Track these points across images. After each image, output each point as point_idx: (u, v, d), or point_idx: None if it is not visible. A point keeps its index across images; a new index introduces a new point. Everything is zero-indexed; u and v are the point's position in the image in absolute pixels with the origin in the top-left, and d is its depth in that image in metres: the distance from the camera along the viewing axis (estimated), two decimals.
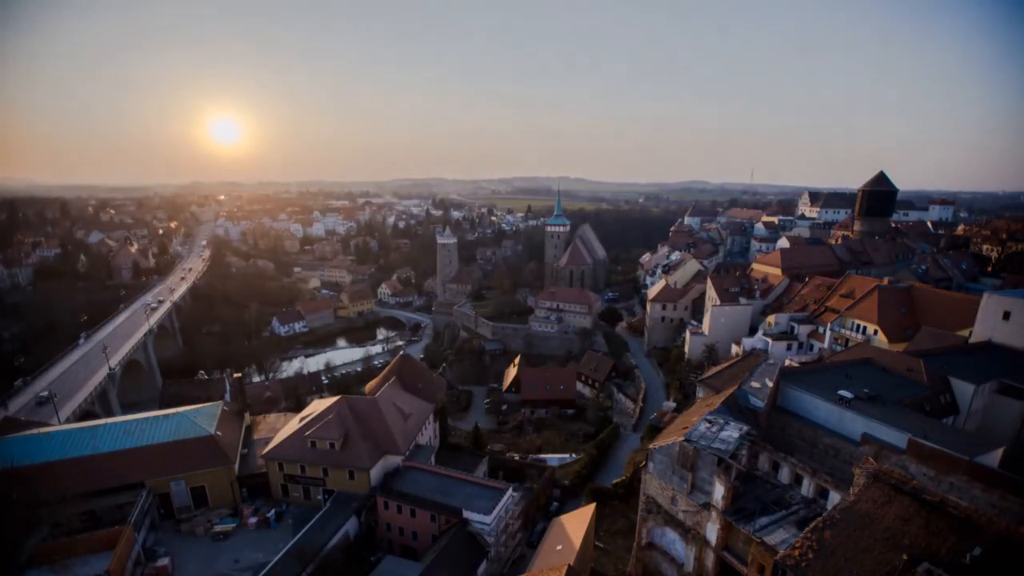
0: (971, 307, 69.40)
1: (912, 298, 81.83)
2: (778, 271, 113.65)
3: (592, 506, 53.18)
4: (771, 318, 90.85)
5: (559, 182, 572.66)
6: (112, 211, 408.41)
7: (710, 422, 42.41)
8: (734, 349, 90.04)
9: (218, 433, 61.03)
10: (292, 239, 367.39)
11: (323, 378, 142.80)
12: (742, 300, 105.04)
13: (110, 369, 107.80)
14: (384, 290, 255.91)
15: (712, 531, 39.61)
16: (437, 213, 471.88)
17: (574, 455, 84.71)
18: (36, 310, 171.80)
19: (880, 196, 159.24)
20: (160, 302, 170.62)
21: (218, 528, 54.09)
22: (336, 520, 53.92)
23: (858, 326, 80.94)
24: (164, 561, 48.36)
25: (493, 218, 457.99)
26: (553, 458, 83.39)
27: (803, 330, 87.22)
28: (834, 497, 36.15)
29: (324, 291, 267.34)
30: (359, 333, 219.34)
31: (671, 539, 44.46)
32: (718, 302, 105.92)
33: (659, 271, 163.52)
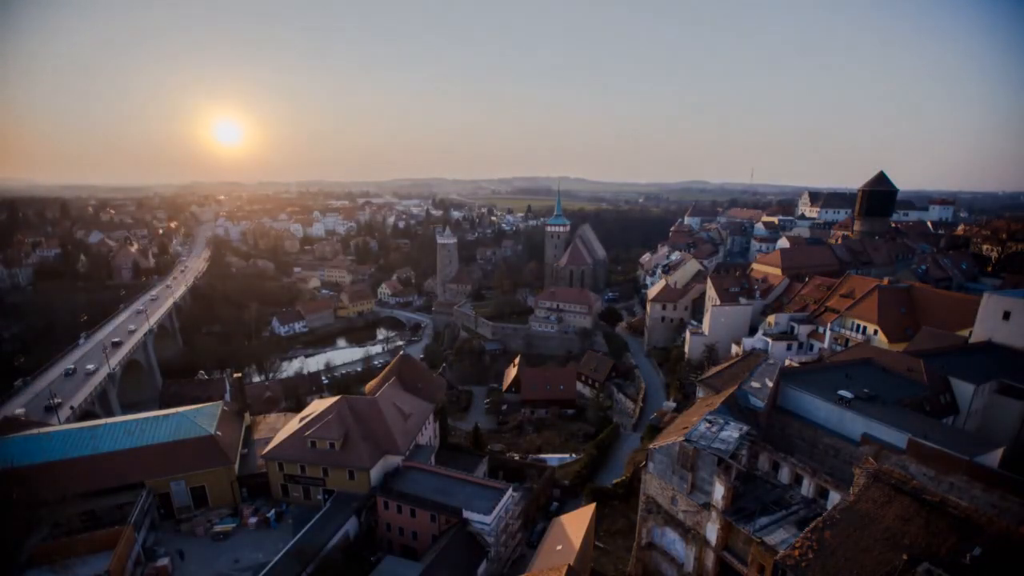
0: (971, 307, 69.37)
1: (912, 298, 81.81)
2: (778, 271, 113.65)
3: (592, 506, 53.17)
4: (771, 318, 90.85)
5: (559, 182, 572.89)
6: (112, 211, 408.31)
7: (710, 422, 42.40)
8: (734, 349, 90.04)
9: (218, 433, 61.03)
10: (292, 239, 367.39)
11: (323, 378, 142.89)
12: (742, 300, 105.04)
13: (110, 369, 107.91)
14: (384, 290, 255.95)
15: (712, 531, 39.59)
16: (437, 213, 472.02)
17: (574, 455, 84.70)
18: (36, 310, 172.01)
19: (880, 196, 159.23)
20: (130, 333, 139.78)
21: (218, 528, 54.09)
22: (336, 520, 53.90)
23: (858, 326, 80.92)
24: (164, 561, 48.36)
25: (493, 218, 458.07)
26: (553, 458, 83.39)
27: (803, 330, 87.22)
28: (834, 497, 36.13)
29: (324, 291, 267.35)
30: (359, 333, 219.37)
31: (671, 539, 44.44)
32: (718, 302, 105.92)
33: (659, 271, 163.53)
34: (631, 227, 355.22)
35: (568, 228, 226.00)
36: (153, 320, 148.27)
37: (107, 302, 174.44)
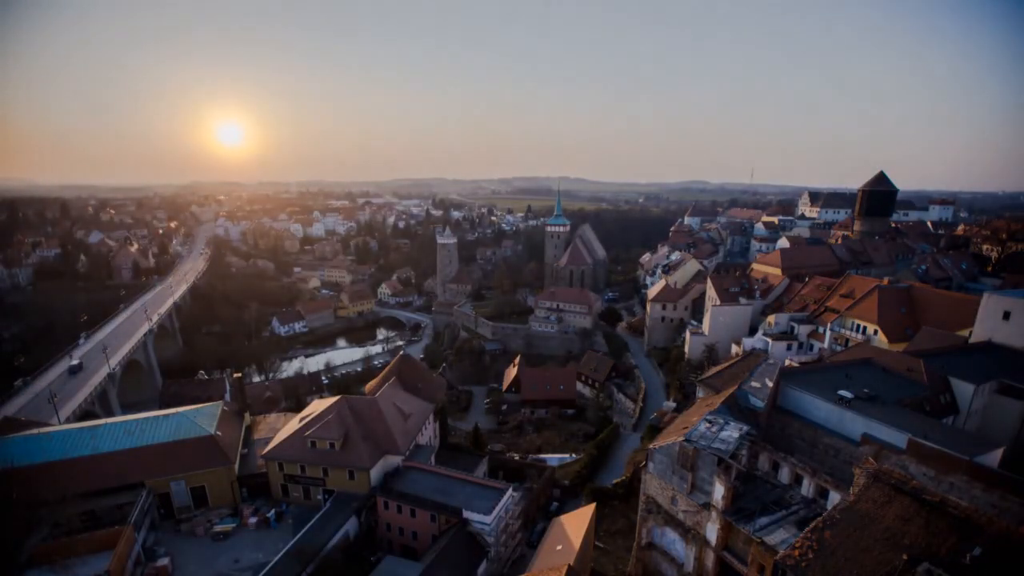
0: (971, 307, 69.35)
1: (912, 298, 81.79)
2: (778, 271, 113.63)
3: (592, 506, 53.17)
4: (771, 318, 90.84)
5: (559, 182, 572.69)
6: (112, 211, 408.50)
7: (710, 422, 42.41)
8: (734, 349, 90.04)
9: (218, 433, 61.02)
10: (292, 239, 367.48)
11: (323, 378, 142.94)
12: (742, 300, 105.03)
13: (110, 369, 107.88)
14: (384, 290, 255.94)
15: (712, 531, 39.60)
16: (437, 213, 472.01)
17: (574, 455, 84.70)
18: (36, 310, 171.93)
19: (880, 196, 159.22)
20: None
21: (218, 528, 54.06)
22: (336, 520, 53.90)
23: (858, 326, 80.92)
24: (164, 561, 48.36)
25: (493, 218, 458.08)
26: (553, 458, 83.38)
27: (803, 330, 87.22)
28: (834, 497, 36.14)
29: (324, 291, 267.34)
30: (359, 333, 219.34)
31: (671, 539, 44.45)
32: (718, 302, 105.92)
33: (659, 271, 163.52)
34: (631, 227, 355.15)
35: (568, 228, 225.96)
36: (153, 320, 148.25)
37: (107, 302, 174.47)
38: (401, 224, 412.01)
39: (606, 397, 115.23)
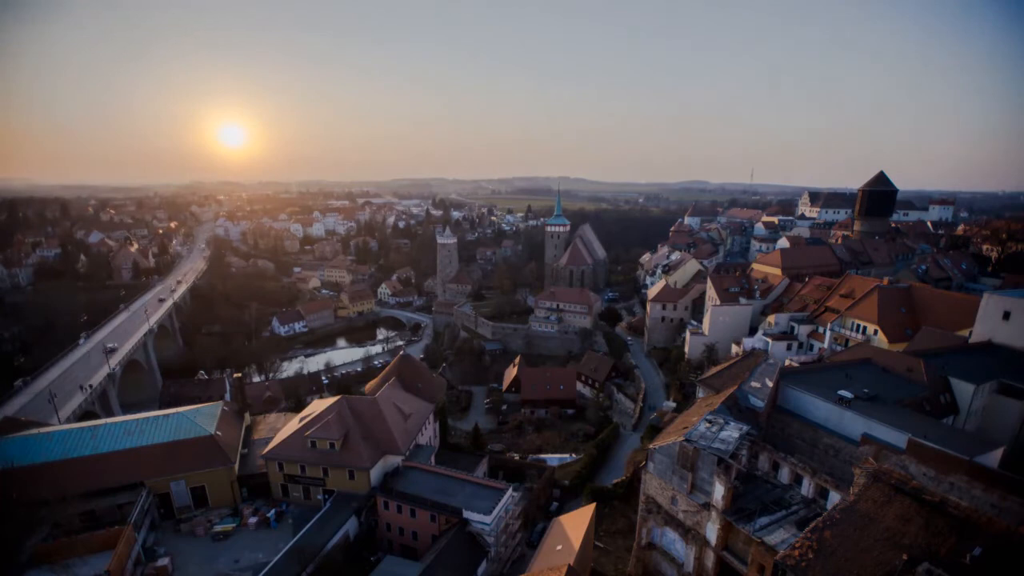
0: (971, 307, 69.39)
1: (912, 298, 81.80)
2: (778, 271, 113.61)
3: (592, 506, 53.13)
4: (771, 318, 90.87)
5: (559, 182, 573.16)
6: (112, 211, 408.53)
7: (710, 422, 42.41)
8: (734, 349, 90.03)
9: (218, 433, 61.04)
10: (292, 239, 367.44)
11: (323, 378, 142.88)
12: (742, 300, 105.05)
13: (110, 369, 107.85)
14: (384, 290, 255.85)
15: (712, 531, 39.60)
16: (437, 213, 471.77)
17: (574, 455, 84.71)
18: (36, 310, 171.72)
19: (880, 196, 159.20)
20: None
21: (218, 528, 54.11)
22: (336, 520, 53.93)
23: (858, 326, 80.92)
24: (164, 561, 48.36)
25: (493, 218, 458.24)
26: (553, 458, 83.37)
27: (803, 330, 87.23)
28: (834, 497, 36.16)
29: (324, 291, 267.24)
30: (359, 333, 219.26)
31: (671, 539, 44.45)
32: (718, 302, 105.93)
33: (659, 271, 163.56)
34: (631, 227, 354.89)
35: (568, 228, 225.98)
36: (152, 320, 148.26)
37: (107, 302, 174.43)
38: (401, 224, 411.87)
39: (606, 397, 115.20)
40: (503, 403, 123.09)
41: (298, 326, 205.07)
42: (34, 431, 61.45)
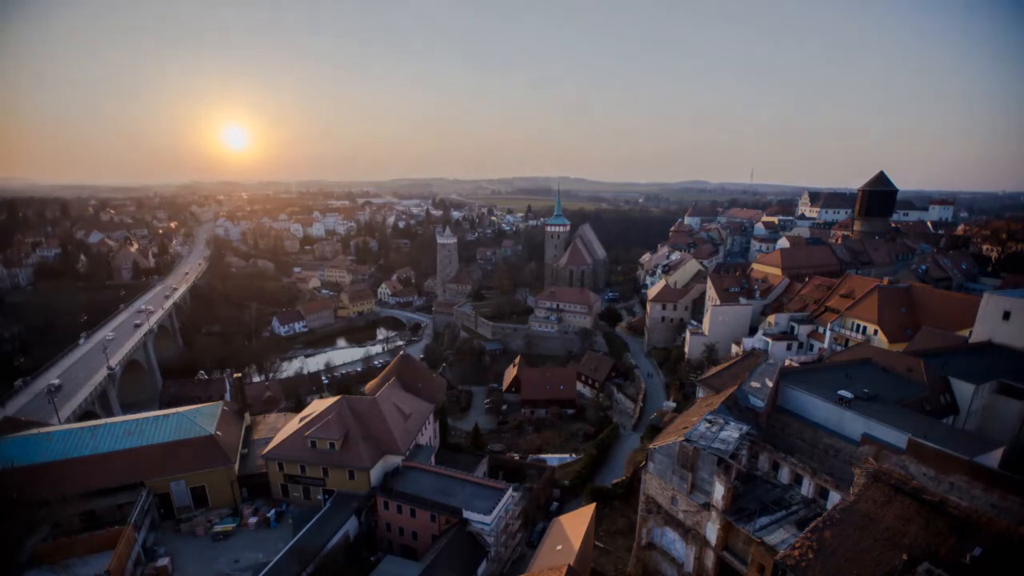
0: (971, 307, 69.38)
1: (912, 298, 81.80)
2: (778, 271, 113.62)
3: (592, 506, 53.14)
4: (771, 318, 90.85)
5: (559, 182, 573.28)
6: (112, 211, 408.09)
7: (710, 422, 42.41)
8: (734, 349, 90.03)
9: (218, 433, 61.05)
10: (292, 239, 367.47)
11: (323, 378, 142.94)
12: (742, 300, 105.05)
13: (109, 369, 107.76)
14: (384, 290, 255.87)
15: (712, 531, 39.59)
16: (437, 213, 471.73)
17: (574, 455, 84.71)
18: (36, 310, 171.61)
19: (880, 196, 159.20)
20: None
21: (218, 528, 54.12)
22: (336, 520, 53.93)
23: (858, 326, 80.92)
24: (164, 561, 48.37)
25: (493, 218, 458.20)
26: (553, 458, 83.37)
27: (803, 330, 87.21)
28: (834, 497, 36.15)
29: (324, 291, 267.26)
30: (359, 333, 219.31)
31: (671, 539, 44.44)
32: (718, 302, 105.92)
33: (659, 271, 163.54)
34: (631, 227, 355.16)
35: (568, 228, 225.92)
36: (153, 320, 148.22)
37: (107, 302, 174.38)
38: (401, 224, 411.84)
39: (606, 397, 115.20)
40: (503, 403, 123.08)
41: (298, 326, 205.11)
42: (34, 431, 61.48)
